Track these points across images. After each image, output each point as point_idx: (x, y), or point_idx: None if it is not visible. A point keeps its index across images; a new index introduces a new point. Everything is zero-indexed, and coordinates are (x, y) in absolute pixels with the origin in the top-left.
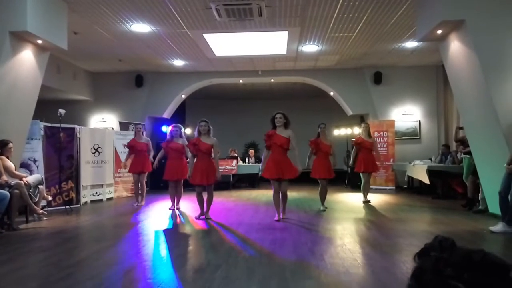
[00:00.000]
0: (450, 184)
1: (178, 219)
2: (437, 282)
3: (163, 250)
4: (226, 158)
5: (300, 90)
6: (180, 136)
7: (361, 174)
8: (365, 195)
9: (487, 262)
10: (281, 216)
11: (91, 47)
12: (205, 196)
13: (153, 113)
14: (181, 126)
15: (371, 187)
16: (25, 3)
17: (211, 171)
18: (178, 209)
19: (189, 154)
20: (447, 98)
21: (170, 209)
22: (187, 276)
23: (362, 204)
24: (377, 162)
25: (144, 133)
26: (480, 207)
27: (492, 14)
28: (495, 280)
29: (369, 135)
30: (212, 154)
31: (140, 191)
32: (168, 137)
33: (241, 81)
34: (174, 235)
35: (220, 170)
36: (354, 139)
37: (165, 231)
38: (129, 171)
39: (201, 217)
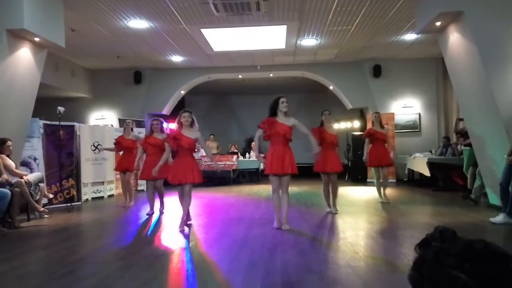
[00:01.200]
0: (450, 176)
1: (172, 218)
2: (438, 273)
3: (164, 246)
4: (227, 153)
5: (300, 84)
6: (161, 130)
7: (373, 169)
8: (380, 192)
9: (488, 252)
10: (282, 225)
11: (89, 44)
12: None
13: (153, 109)
14: (162, 119)
15: (390, 181)
16: (21, 0)
17: (195, 169)
18: (162, 213)
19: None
20: (447, 91)
21: (148, 214)
22: (189, 270)
23: (380, 204)
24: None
25: (145, 129)
26: (472, 195)
27: (491, 5)
28: (497, 270)
29: (381, 125)
30: (196, 150)
31: (127, 191)
32: (148, 131)
33: (240, 76)
34: (174, 232)
35: (220, 165)
36: (363, 132)
37: (164, 228)
38: (115, 169)
39: (187, 223)
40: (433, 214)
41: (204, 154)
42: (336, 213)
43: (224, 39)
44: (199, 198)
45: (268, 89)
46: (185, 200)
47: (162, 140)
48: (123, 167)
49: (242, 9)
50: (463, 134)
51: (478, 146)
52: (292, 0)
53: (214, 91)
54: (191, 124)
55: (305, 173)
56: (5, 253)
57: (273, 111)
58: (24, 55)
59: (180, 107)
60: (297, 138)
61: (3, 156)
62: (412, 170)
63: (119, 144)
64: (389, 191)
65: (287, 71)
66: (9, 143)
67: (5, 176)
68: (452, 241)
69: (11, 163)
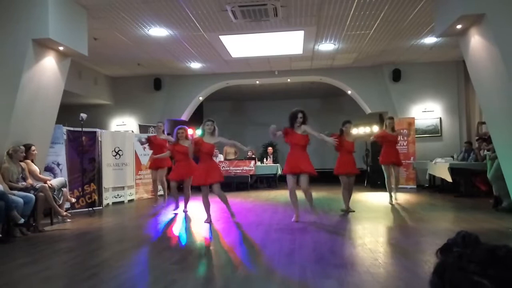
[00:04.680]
0: (473, 182)
1: (192, 221)
2: (460, 278)
3: (183, 251)
4: (244, 158)
5: (317, 89)
6: (186, 137)
7: (383, 167)
8: (390, 193)
9: (511, 257)
10: (298, 218)
11: (111, 52)
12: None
13: (172, 115)
14: (186, 127)
15: (410, 187)
16: (46, 11)
17: (213, 171)
18: (185, 212)
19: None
20: (469, 94)
21: (182, 212)
22: (208, 276)
23: (389, 205)
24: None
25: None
26: (504, 204)
27: None
28: None
29: (393, 129)
30: (214, 155)
31: (162, 188)
32: (174, 138)
33: (257, 81)
34: (193, 236)
35: (237, 170)
36: (375, 134)
37: (184, 232)
38: (149, 167)
39: (208, 221)
40: (455, 220)
41: (221, 159)
42: (354, 211)
43: (242, 45)
44: (217, 203)
45: (285, 94)
46: (222, 199)
47: (188, 147)
48: (156, 165)
49: (260, 15)
50: (485, 139)
51: (502, 150)
52: (310, 6)
53: (232, 96)
54: (213, 132)
55: (323, 178)
56: (29, 256)
57: (291, 123)
58: (49, 63)
59: (198, 113)
60: (320, 146)
61: (28, 161)
62: (433, 176)
63: (151, 141)
64: (410, 197)
65: (304, 76)
66: (33, 148)
67: (30, 181)
68: (474, 246)
69: (35, 168)
